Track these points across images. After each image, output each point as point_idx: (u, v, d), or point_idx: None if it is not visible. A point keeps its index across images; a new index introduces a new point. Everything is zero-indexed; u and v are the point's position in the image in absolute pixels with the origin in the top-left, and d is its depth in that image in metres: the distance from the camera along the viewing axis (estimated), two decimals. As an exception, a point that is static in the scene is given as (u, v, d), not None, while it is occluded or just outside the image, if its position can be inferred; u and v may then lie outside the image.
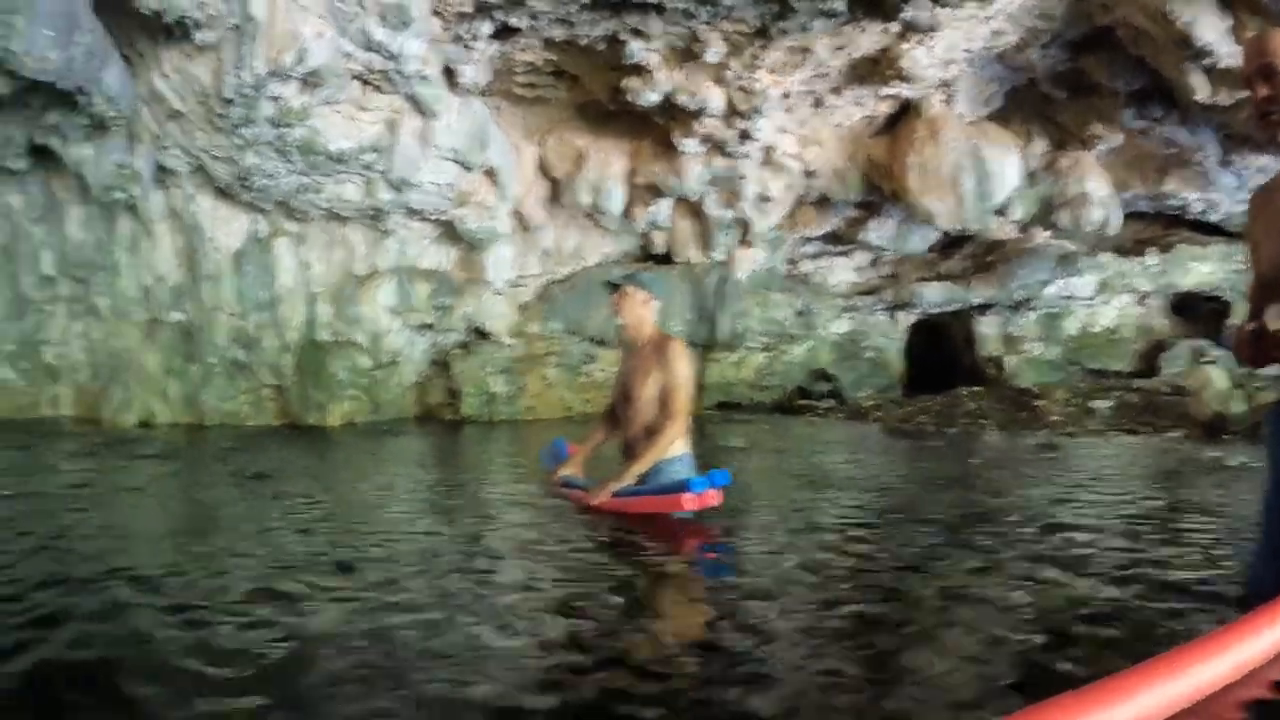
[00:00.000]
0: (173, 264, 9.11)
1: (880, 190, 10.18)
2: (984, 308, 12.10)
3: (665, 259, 10.90)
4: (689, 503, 3.80)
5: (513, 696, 1.95)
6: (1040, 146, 10.61)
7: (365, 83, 8.02)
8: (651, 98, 8.61)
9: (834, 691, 1.97)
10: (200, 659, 2.11)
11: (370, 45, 7.70)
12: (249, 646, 2.21)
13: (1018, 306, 12.12)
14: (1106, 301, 12.60)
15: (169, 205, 8.82)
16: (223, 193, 8.64)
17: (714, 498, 3.85)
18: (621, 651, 2.27)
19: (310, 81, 7.66)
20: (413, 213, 9.23)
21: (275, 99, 7.68)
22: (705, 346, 10.90)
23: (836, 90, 9.34)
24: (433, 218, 9.39)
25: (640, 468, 4.03)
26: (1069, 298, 12.27)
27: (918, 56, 8.86)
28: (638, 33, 8.10)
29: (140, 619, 2.44)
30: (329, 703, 1.90)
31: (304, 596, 2.68)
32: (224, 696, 1.90)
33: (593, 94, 9.06)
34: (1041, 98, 10.11)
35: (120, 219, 8.92)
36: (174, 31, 7.24)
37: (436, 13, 7.83)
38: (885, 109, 9.89)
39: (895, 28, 8.38)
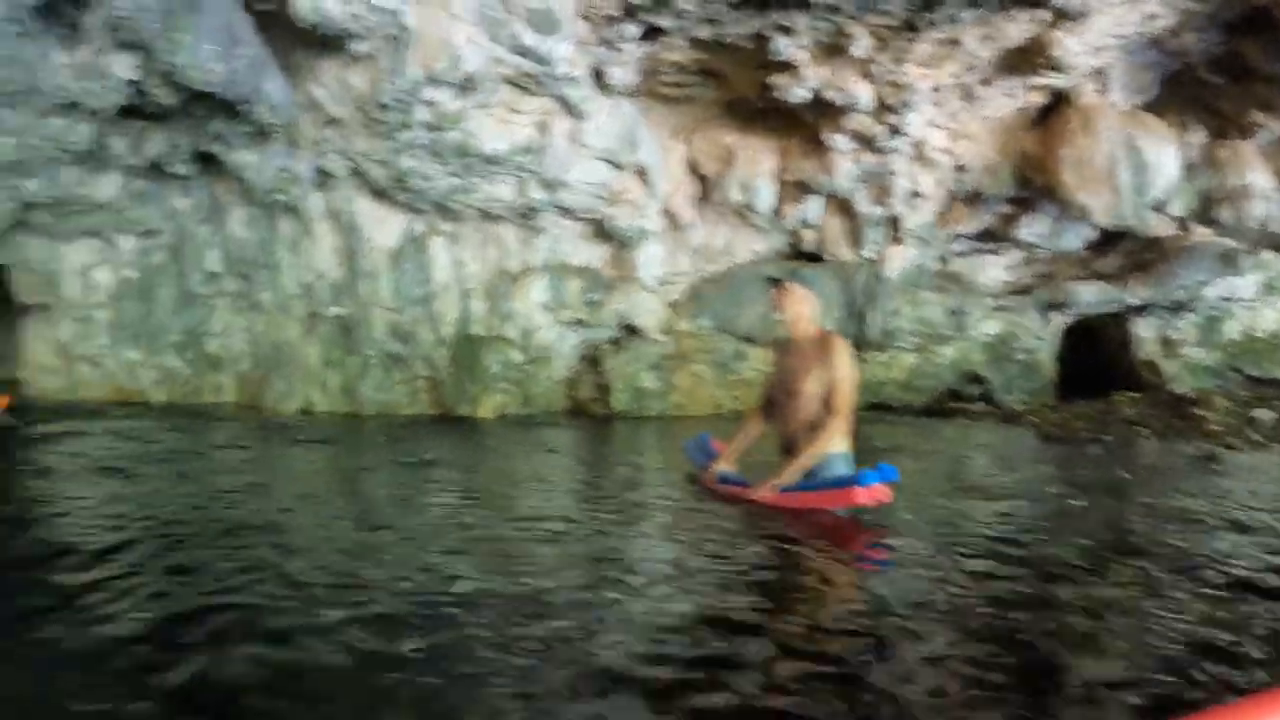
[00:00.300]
0: (332, 262, 9.52)
1: (1034, 185, 9.77)
2: (1140, 309, 11.45)
3: (814, 257, 10.72)
4: (860, 497, 3.78)
5: (648, 690, 1.98)
6: (1198, 136, 9.99)
7: (516, 86, 8.18)
8: (799, 94, 8.49)
9: (978, 700, 1.95)
10: (359, 654, 2.19)
11: (520, 50, 7.85)
12: (401, 643, 2.27)
13: (1176, 308, 11.42)
14: (1270, 304, 11.77)
15: (328, 206, 9.22)
16: (380, 194, 8.97)
17: (885, 493, 3.81)
18: (763, 646, 2.28)
19: (464, 86, 7.86)
20: (564, 211, 9.36)
21: (430, 104, 7.92)
22: (855, 346, 10.65)
23: (986, 82, 9.01)
24: (584, 216, 9.51)
25: (805, 463, 4.05)
26: (1230, 299, 11.48)
27: (1069, 44, 8.49)
28: (784, 29, 8.01)
29: (314, 607, 2.52)
30: (488, 691, 1.95)
31: (466, 582, 2.76)
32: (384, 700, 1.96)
33: (740, 92, 9.00)
34: (1198, 84, 9.52)
35: (281, 219, 9.39)
36: (330, 43, 7.58)
37: (584, 16, 7.93)
38: (1037, 100, 9.48)
39: (1045, 15, 8.06)
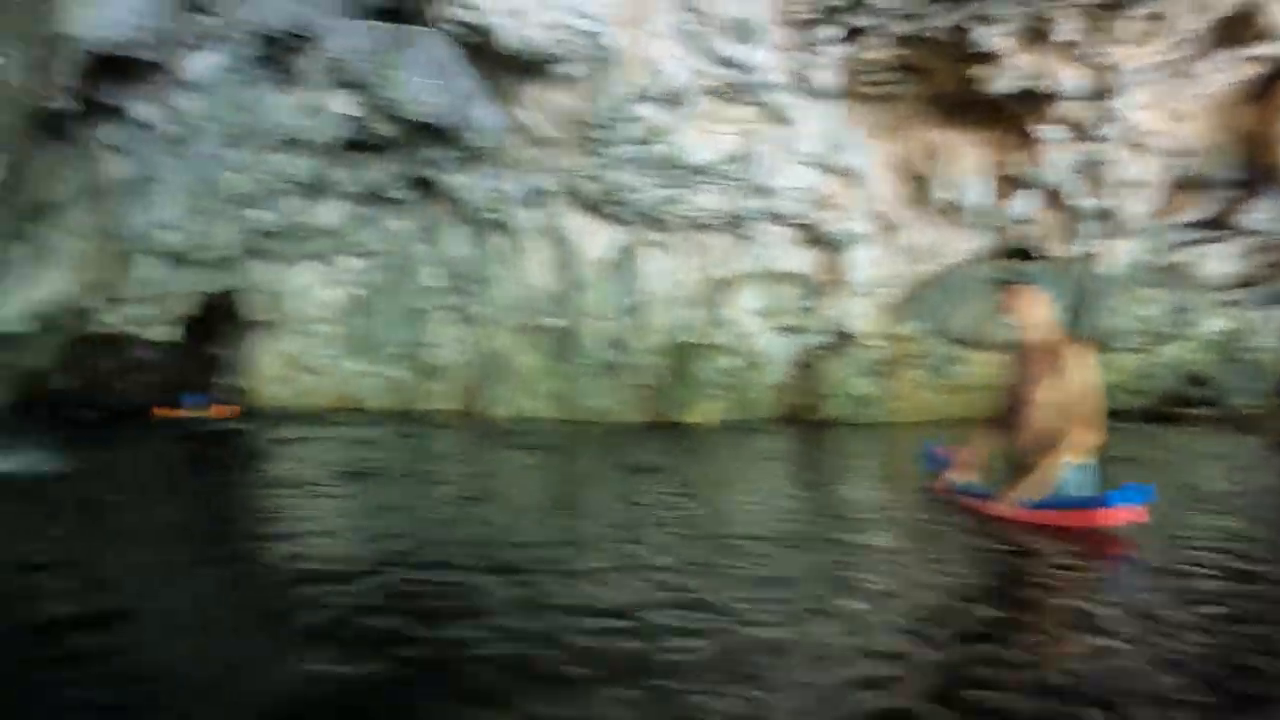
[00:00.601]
0: (543, 275, 10.09)
1: (1258, 165, 9.16)
2: (1371, 298, 10.39)
3: (1025, 254, 10.23)
4: (1106, 519, 3.66)
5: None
6: None
7: (720, 96, 8.44)
8: (1003, 84, 8.33)
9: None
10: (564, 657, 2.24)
11: (722, 61, 8.11)
12: (606, 646, 2.32)
13: None
14: None
15: (539, 222, 9.78)
16: (590, 208, 9.42)
17: (1137, 514, 3.65)
18: (986, 652, 2.32)
19: (669, 100, 8.18)
20: (774, 218, 9.52)
21: (637, 120, 8.28)
22: (1071, 347, 10.17)
23: (1199, 57, 8.56)
24: (793, 222, 9.62)
25: (1044, 477, 3.87)
26: None
27: (1281, 9, 7.99)
28: (983, 19, 7.90)
29: (537, 641, 2.45)
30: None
31: (677, 598, 2.78)
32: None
33: (943, 86, 8.88)
34: None
35: (494, 236, 10.03)
36: (534, 68, 8.04)
37: (782, 23, 8.06)
38: (1255, 71, 8.92)
39: (1257, -21, 7.65)
